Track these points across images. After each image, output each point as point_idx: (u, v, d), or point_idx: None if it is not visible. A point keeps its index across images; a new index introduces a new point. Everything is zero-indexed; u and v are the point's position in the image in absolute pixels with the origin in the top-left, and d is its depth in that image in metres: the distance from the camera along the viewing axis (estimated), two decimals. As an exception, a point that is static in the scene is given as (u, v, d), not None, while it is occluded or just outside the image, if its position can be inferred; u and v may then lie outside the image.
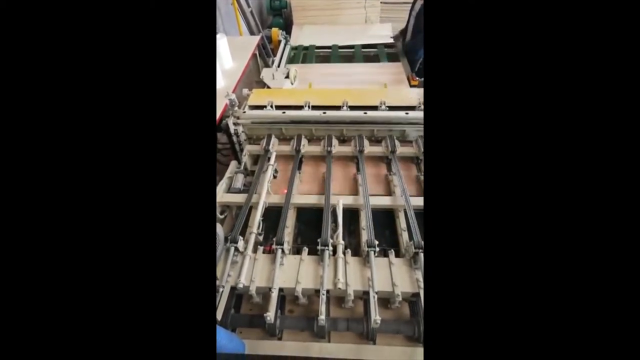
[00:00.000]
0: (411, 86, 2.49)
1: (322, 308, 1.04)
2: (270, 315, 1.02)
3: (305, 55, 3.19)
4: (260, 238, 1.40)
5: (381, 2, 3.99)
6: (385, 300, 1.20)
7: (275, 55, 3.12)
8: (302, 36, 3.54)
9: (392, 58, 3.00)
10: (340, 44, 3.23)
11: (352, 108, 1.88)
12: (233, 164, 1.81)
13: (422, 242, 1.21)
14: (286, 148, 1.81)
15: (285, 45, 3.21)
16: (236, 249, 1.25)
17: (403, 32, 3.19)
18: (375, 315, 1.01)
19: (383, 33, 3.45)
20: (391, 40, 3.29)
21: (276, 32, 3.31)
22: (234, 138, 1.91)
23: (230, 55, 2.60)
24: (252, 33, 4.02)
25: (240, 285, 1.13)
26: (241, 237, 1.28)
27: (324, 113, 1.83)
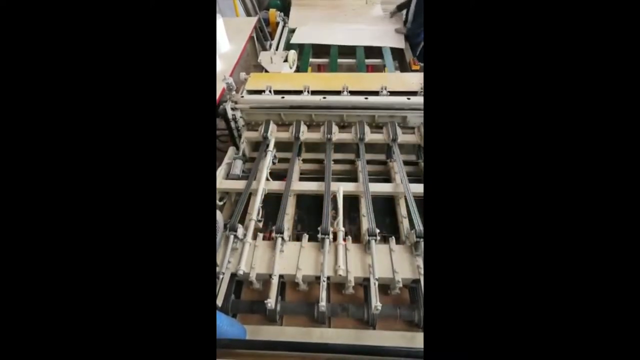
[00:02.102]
0: (412, 71, 2.43)
1: (323, 294, 1.04)
2: (270, 302, 1.02)
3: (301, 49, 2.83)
4: (260, 225, 1.39)
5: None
6: (385, 287, 1.21)
7: (273, 39, 3.02)
8: (298, 34, 3.02)
9: (402, 68, 2.63)
10: (341, 43, 2.79)
11: (353, 93, 1.83)
12: (231, 150, 1.78)
13: (423, 230, 1.20)
14: (285, 135, 1.77)
15: (283, 27, 3.12)
16: (235, 236, 1.24)
17: (401, 7, 3.08)
18: (376, 302, 1.02)
19: (388, 27, 3.04)
20: (400, 45, 2.81)
21: (274, 14, 3.21)
22: (232, 124, 1.87)
23: (227, 37, 2.51)
24: (248, 14, 3.89)
25: (241, 272, 1.13)
26: (240, 225, 1.27)
27: (324, 98, 1.79)
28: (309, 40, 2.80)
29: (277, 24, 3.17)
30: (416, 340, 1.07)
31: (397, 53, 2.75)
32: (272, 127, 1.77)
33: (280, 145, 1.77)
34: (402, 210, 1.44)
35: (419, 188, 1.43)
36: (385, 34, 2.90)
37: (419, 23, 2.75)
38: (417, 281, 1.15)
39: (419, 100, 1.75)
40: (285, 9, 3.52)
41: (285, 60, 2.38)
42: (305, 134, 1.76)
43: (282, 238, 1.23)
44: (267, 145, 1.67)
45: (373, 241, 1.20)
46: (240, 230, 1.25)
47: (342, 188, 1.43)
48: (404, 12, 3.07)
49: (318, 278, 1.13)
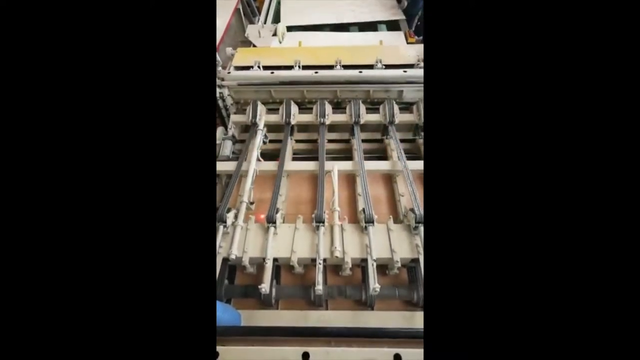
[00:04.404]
0: (408, 43, 2.32)
1: (319, 277, 1.00)
2: (265, 287, 0.98)
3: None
4: (252, 207, 1.33)
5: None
6: (383, 266, 1.17)
7: (260, 13, 2.85)
8: (287, 14, 2.73)
9: (392, 26, 2.57)
10: (334, 22, 2.60)
11: (346, 67, 1.74)
12: (220, 130, 1.70)
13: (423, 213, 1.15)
14: (275, 118, 1.66)
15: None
16: (226, 220, 1.18)
17: None
18: (375, 283, 0.98)
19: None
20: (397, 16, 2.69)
21: (261, -16, 3.01)
22: (220, 102, 1.77)
23: (211, 10, 2.35)
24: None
25: (233, 257, 1.08)
26: (231, 208, 1.21)
27: (316, 73, 1.69)
28: (299, 22, 2.57)
29: (265, -5, 2.98)
30: (415, 319, 1.05)
31: (392, 26, 2.61)
32: (261, 108, 1.66)
33: (271, 127, 1.68)
34: (400, 188, 1.40)
35: (417, 165, 1.37)
36: (380, 6, 2.74)
37: (415, -7, 2.62)
38: (416, 260, 1.11)
39: (416, 72, 1.66)
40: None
41: (275, 34, 2.24)
42: (297, 117, 1.66)
43: (274, 223, 1.17)
44: (257, 124, 1.58)
45: (370, 227, 1.15)
46: (231, 213, 1.19)
47: (337, 167, 1.36)
48: None
49: (314, 260, 1.09)
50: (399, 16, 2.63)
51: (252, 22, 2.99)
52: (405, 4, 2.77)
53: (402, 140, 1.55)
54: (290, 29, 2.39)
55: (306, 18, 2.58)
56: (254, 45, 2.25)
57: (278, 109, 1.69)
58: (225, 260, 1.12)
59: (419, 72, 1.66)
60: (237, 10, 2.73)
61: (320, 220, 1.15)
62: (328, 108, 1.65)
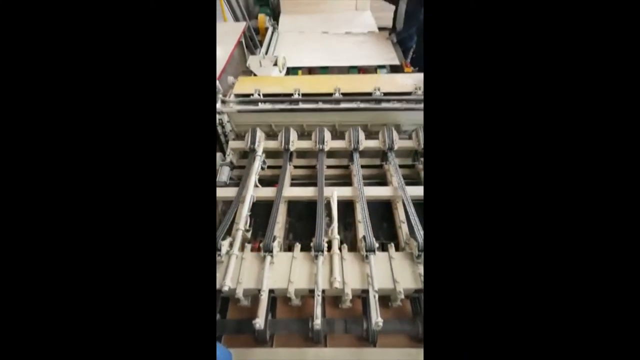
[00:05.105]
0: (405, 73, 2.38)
1: (318, 311, 0.94)
2: (259, 321, 0.91)
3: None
4: (248, 235, 1.28)
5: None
6: (385, 297, 1.11)
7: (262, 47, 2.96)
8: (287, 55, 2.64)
9: (394, 69, 2.53)
10: (332, 64, 2.58)
11: (345, 95, 1.76)
12: (218, 156, 1.69)
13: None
14: (274, 145, 1.64)
15: (272, 32, 3.06)
16: (221, 248, 1.13)
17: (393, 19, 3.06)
18: (377, 317, 0.92)
19: (379, 40, 2.89)
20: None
21: (263, 19, 3.17)
22: (219, 129, 1.78)
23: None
24: (237, 22, 3.85)
25: (226, 288, 1.02)
26: (227, 235, 1.17)
27: (316, 103, 1.70)
28: (297, 64, 2.58)
29: (267, 29, 3.12)
30: (421, 357, 0.97)
31: (394, 69, 2.61)
32: (260, 134, 1.66)
33: (270, 153, 1.67)
34: (400, 214, 1.36)
35: (417, 191, 1.34)
36: (377, 49, 2.78)
37: (410, 26, 2.73)
38: (419, 291, 1.05)
39: (414, 100, 1.68)
40: (275, 16, 3.48)
41: (275, 64, 2.31)
42: (296, 144, 1.65)
43: (271, 252, 1.12)
44: (256, 151, 1.57)
45: (372, 256, 1.10)
46: (226, 241, 1.15)
47: (336, 193, 1.34)
48: (392, 18, 3.04)
49: (312, 291, 1.02)
50: (397, 61, 2.62)
51: (253, 54, 3.11)
52: (395, 39, 2.86)
53: (401, 166, 1.54)
54: (288, 71, 2.41)
55: (305, 61, 2.61)
56: (255, 75, 2.30)
57: (277, 136, 1.69)
58: (218, 292, 1.05)
59: (416, 99, 1.69)
60: (240, 43, 2.83)
61: (319, 249, 1.10)
62: (327, 134, 1.65)
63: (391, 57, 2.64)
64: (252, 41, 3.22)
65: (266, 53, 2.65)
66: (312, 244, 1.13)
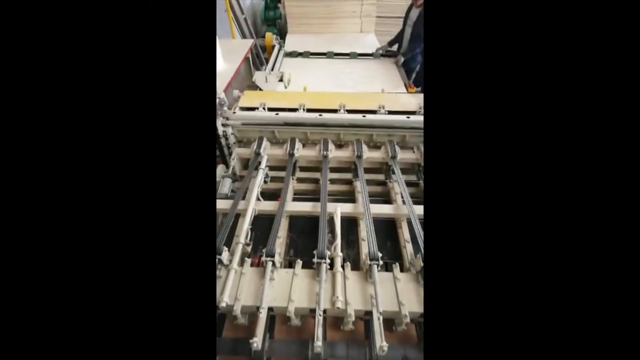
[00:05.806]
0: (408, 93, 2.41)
1: (319, 332, 0.89)
2: (257, 342, 0.86)
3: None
4: (248, 249, 1.24)
5: (376, 17, 3.99)
6: (388, 321, 1.05)
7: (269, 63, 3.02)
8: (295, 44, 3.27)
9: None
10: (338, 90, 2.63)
11: (350, 112, 1.77)
12: (220, 167, 1.67)
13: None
14: (279, 152, 1.67)
15: (279, 50, 3.13)
16: (220, 262, 1.09)
17: (392, 42, 3.14)
18: (382, 341, 0.86)
19: (385, 64, 3.04)
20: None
21: (270, 37, 3.24)
22: (223, 140, 1.77)
23: (222, 56, 2.49)
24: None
25: (223, 305, 0.97)
26: (226, 248, 1.12)
27: (320, 115, 1.71)
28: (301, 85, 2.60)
29: (273, 47, 3.19)
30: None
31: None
32: (266, 143, 1.67)
33: (273, 164, 1.66)
34: (405, 233, 1.32)
35: (421, 210, 1.32)
36: (382, 73, 2.87)
37: (413, 47, 2.80)
38: (426, 315, 1.00)
39: (418, 119, 1.69)
40: (282, 35, 3.58)
41: (281, 80, 2.34)
42: (300, 151, 1.66)
43: (273, 263, 1.08)
44: (259, 163, 1.56)
45: (375, 267, 1.06)
46: (225, 255, 1.11)
47: (339, 209, 1.31)
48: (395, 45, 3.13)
49: (313, 311, 0.97)
50: (403, 88, 2.66)
51: (259, 70, 3.16)
52: (402, 60, 2.93)
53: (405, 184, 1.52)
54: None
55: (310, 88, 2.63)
56: (260, 89, 2.33)
57: (282, 147, 1.69)
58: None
59: (421, 119, 1.69)
60: (246, 59, 2.89)
61: (321, 256, 1.07)
62: (331, 145, 1.66)
63: (396, 84, 2.70)
64: (258, 58, 3.29)
65: (272, 69, 2.69)
66: (314, 259, 1.09)
